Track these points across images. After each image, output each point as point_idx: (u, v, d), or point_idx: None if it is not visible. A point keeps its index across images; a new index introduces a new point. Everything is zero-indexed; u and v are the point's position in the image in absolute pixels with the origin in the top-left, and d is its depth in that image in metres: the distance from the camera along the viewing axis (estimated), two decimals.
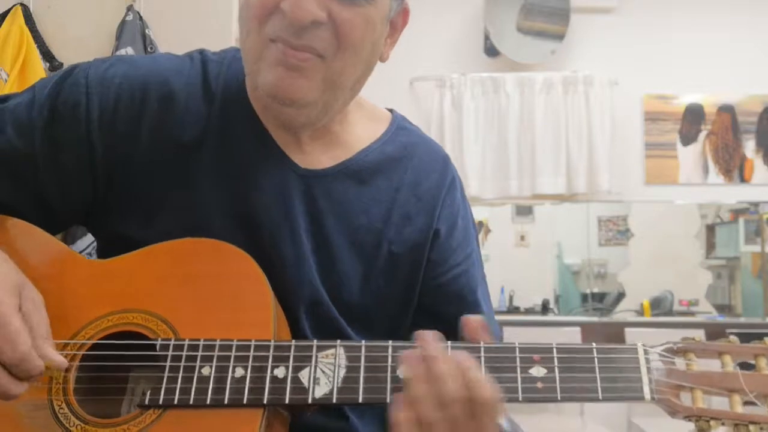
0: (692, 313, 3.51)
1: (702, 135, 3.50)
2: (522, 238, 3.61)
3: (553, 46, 3.40)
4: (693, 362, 0.65)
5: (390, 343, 0.66)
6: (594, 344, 0.66)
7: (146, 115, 0.77)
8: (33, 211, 0.77)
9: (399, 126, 0.88)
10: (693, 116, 3.50)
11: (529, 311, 3.61)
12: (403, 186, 0.83)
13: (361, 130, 0.84)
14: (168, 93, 0.78)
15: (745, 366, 0.64)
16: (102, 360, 0.68)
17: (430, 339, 0.62)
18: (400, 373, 0.63)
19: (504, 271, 3.56)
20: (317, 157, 0.80)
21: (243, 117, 0.79)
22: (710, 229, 3.66)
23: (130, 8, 3.15)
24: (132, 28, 3.13)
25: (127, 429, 0.64)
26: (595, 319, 3.49)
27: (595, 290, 3.64)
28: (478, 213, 3.53)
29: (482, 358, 0.65)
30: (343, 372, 0.65)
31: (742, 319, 3.51)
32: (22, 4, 3.05)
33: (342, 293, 0.78)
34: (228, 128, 0.78)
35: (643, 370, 0.64)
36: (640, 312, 3.50)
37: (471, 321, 0.67)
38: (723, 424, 0.62)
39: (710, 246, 3.65)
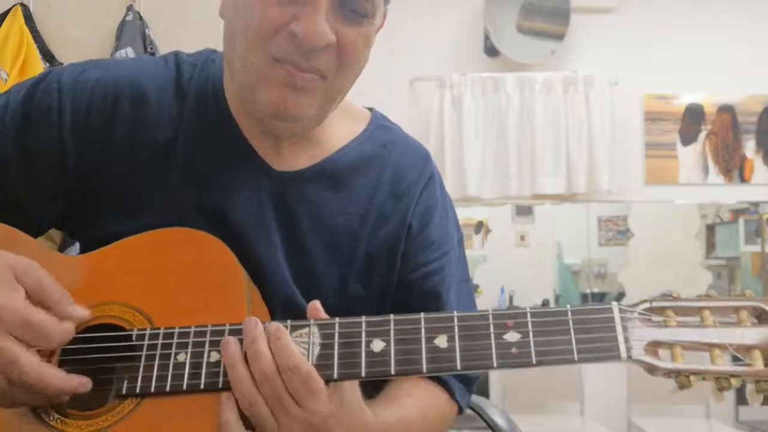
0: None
1: (702, 135, 3.50)
2: (522, 238, 3.61)
3: (553, 46, 3.40)
4: (671, 319, 0.64)
5: (363, 318, 0.66)
6: (569, 306, 0.66)
7: (119, 118, 0.77)
8: (8, 217, 0.76)
9: (378, 125, 0.87)
10: (693, 116, 3.50)
11: None
12: (382, 185, 0.83)
13: (339, 130, 0.83)
14: (141, 95, 0.77)
15: (723, 323, 0.63)
16: (81, 353, 0.68)
17: (251, 322, 0.63)
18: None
19: (504, 271, 3.55)
20: (293, 158, 0.80)
21: (217, 118, 0.78)
22: (710, 229, 3.65)
23: (130, 8, 3.16)
24: (132, 28, 3.13)
25: (106, 420, 0.65)
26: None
27: (595, 290, 3.63)
28: (478, 213, 3.53)
29: (456, 327, 0.65)
30: (317, 349, 0.65)
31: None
32: (22, 4, 3.06)
33: (317, 296, 0.76)
34: (200, 130, 0.78)
35: (619, 329, 0.63)
36: None
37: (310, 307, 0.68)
38: (704, 379, 0.61)
39: (710, 246, 3.65)
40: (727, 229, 3.64)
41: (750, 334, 0.62)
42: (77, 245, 0.85)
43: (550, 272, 3.65)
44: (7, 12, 2.93)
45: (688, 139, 3.50)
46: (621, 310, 0.65)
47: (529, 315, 0.65)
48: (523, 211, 3.61)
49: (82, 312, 0.66)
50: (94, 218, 0.78)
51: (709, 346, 0.62)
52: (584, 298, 3.61)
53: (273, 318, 0.75)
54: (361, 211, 0.81)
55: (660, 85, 3.46)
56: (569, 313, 0.65)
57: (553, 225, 3.63)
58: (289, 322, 0.67)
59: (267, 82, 0.70)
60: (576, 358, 0.63)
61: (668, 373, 0.62)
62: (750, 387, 0.61)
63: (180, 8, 3.19)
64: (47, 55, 3.02)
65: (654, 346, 0.63)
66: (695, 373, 0.61)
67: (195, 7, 3.08)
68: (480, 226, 3.57)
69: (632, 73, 3.41)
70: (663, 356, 0.63)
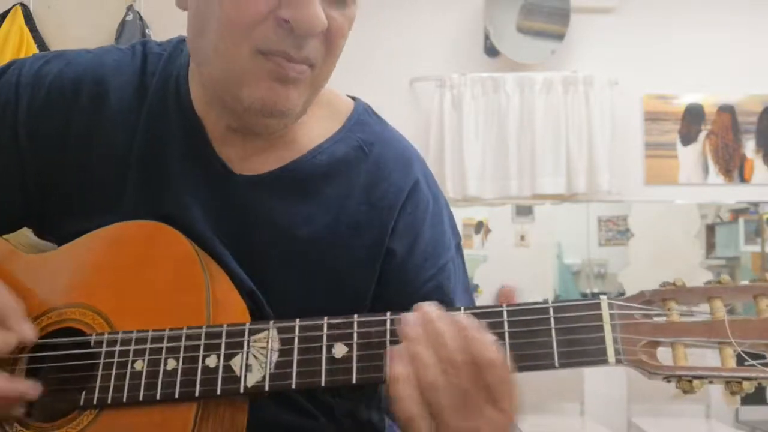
0: (692, 313, 3.50)
1: (702, 135, 3.50)
2: (522, 238, 3.61)
3: (553, 46, 3.40)
4: (673, 312, 0.54)
5: (325, 319, 0.61)
6: (550, 302, 0.57)
7: (76, 115, 0.73)
8: None
9: (358, 120, 0.77)
10: (693, 116, 3.50)
11: None
12: (354, 191, 0.74)
13: (313, 126, 0.75)
14: (102, 92, 0.73)
15: (741, 309, 0.52)
16: (42, 362, 0.66)
17: (427, 305, 0.56)
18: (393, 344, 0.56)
19: (504, 271, 3.55)
20: (259, 161, 0.73)
21: (177, 116, 0.73)
22: (710, 229, 3.65)
23: (130, 8, 3.15)
24: (132, 28, 3.13)
25: None
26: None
27: (595, 290, 3.63)
28: (478, 213, 3.53)
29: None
30: (275, 356, 0.60)
31: None
32: (22, 4, 3.05)
33: (282, 308, 0.70)
34: (158, 129, 0.73)
35: (607, 327, 0.54)
36: None
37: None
38: (711, 382, 0.51)
39: (710, 246, 3.65)
40: (727, 229, 3.64)
41: (766, 327, 0.52)
42: None
43: (550, 272, 3.65)
44: (7, 12, 2.93)
45: (688, 139, 3.50)
46: (611, 306, 0.55)
47: (505, 314, 0.57)
48: (523, 211, 3.61)
49: (28, 333, 0.64)
50: (54, 218, 0.74)
51: (720, 344, 0.52)
52: (584, 297, 3.61)
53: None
54: (329, 220, 0.72)
55: (660, 85, 3.46)
56: (551, 309, 0.56)
57: (553, 225, 3.63)
58: (247, 324, 0.62)
59: (252, 77, 0.63)
60: (557, 364, 0.55)
61: (668, 377, 0.53)
62: None
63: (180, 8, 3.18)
64: None
65: (652, 346, 0.53)
66: (700, 376, 0.51)
67: None
68: (480, 226, 3.57)
69: (632, 73, 3.41)
70: (663, 357, 0.53)
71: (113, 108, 0.73)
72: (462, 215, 3.44)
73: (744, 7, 3.45)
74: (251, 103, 0.64)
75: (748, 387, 0.50)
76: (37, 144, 0.72)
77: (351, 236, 0.73)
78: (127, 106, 0.73)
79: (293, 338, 0.60)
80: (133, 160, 0.72)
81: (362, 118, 0.78)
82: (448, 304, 0.71)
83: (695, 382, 0.51)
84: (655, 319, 0.54)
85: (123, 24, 3.05)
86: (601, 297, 0.55)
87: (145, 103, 0.73)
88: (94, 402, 0.62)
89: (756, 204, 3.55)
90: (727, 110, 3.49)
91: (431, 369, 0.53)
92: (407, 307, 0.69)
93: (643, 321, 0.54)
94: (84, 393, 0.62)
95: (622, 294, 3.30)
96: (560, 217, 3.59)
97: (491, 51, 3.44)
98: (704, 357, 0.53)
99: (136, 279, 0.67)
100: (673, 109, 3.50)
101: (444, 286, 0.76)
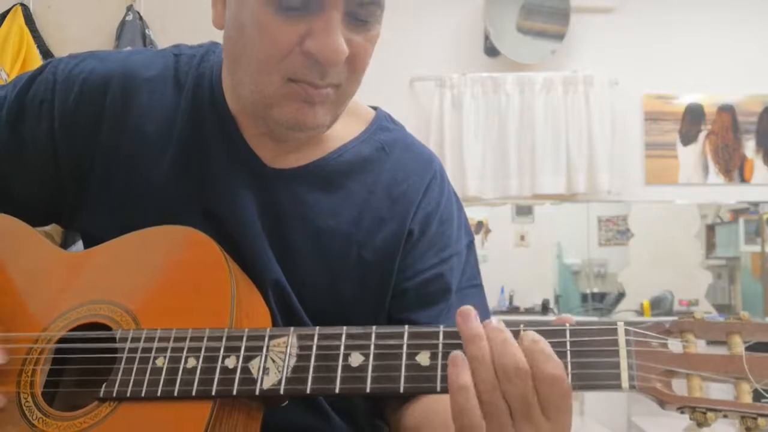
0: (692, 313, 3.49)
1: (702, 135, 3.50)
2: (522, 238, 3.61)
3: (553, 46, 3.40)
4: (691, 343, 0.54)
5: (344, 329, 0.62)
6: (567, 325, 0.57)
7: (108, 112, 0.76)
8: (3, 204, 0.77)
9: (380, 126, 0.84)
10: (693, 116, 3.50)
11: (529, 311, 3.61)
12: (377, 188, 0.79)
13: (339, 129, 0.80)
14: (131, 88, 0.77)
15: (756, 347, 0.52)
16: (68, 353, 0.68)
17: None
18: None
19: (504, 271, 3.55)
20: (288, 158, 0.77)
21: (212, 114, 0.77)
22: (710, 229, 3.65)
23: (130, 8, 3.15)
24: (132, 28, 3.12)
25: (83, 422, 0.64)
26: (595, 319, 3.49)
27: (595, 290, 3.63)
28: (478, 213, 3.53)
29: (440, 345, 0.59)
30: (293, 361, 0.61)
31: None
32: (22, 4, 3.05)
33: (309, 298, 0.75)
34: (195, 124, 0.77)
35: (622, 353, 0.55)
36: (640, 312, 3.49)
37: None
38: (725, 416, 0.51)
39: (710, 246, 3.65)
40: (727, 229, 3.64)
41: None
42: (80, 244, 0.86)
43: (550, 272, 3.65)
44: (7, 12, 2.93)
45: (688, 139, 3.50)
46: (626, 331, 0.55)
47: (523, 333, 0.57)
48: (523, 211, 3.61)
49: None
50: (88, 212, 0.78)
51: (736, 378, 0.52)
52: (584, 298, 3.61)
53: (275, 320, 0.74)
54: (354, 213, 0.77)
55: (660, 85, 3.46)
56: (567, 333, 0.57)
57: (553, 225, 3.63)
58: (267, 330, 0.64)
59: (282, 99, 0.69)
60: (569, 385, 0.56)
61: (682, 408, 0.53)
62: None
63: (180, 8, 3.19)
64: (47, 55, 3.01)
65: (667, 376, 0.53)
66: (715, 408, 0.51)
67: (195, 7, 3.08)
68: (480, 226, 3.57)
69: (632, 73, 3.41)
70: (678, 387, 0.54)
71: (145, 102, 0.76)
72: None
73: (744, 7, 3.45)
74: (282, 120, 0.70)
75: (764, 424, 0.50)
76: (72, 139, 0.76)
77: (375, 229, 0.77)
78: (162, 100, 0.77)
79: (312, 345, 0.62)
80: (171, 153, 0.76)
81: (384, 124, 0.84)
82: (445, 293, 0.79)
83: (709, 414, 0.52)
84: (672, 349, 0.54)
85: (123, 24, 3.05)
86: (618, 323, 0.56)
87: (183, 97, 0.77)
88: (114, 394, 0.64)
89: (756, 204, 3.55)
90: (727, 110, 3.49)
91: (491, 375, 0.54)
92: (405, 291, 0.77)
93: (660, 350, 0.54)
94: (105, 385, 0.64)
95: (623, 294, 3.31)
96: (560, 217, 3.59)
97: (491, 51, 3.44)
98: (717, 391, 0.53)
99: (166, 281, 0.69)
100: (673, 109, 3.50)
101: (445, 275, 0.80)
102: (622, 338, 0.56)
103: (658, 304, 3.50)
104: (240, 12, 0.68)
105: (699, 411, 0.52)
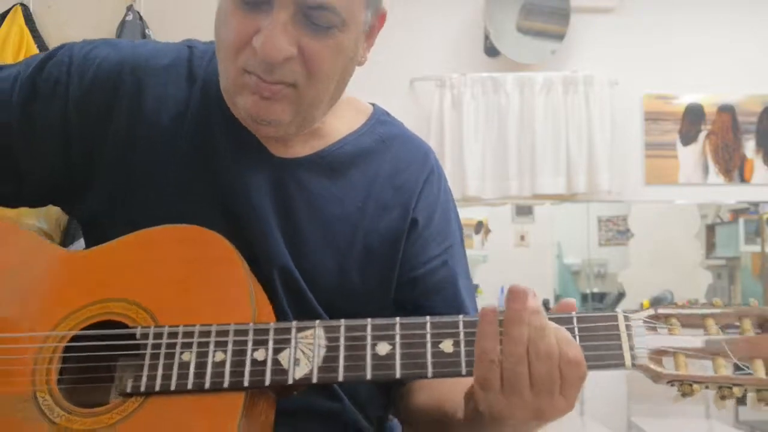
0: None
1: (702, 135, 3.50)
2: (522, 238, 3.61)
3: (553, 46, 3.40)
4: (676, 327, 0.64)
5: (369, 321, 0.66)
6: (574, 314, 0.65)
7: (121, 98, 0.78)
8: (5, 183, 0.79)
9: (378, 120, 0.88)
10: (693, 116, 3.50)
11: None
12: (379, 177, 0.83)
13: (339, 123, 0.84)
14: (146, 75, 0.79)
15: (728, 328, 0.64)
16: (84, 350, 0.68)
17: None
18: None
19: (504, 271, 3.55)
20: (292, 148, 0.81)
21: (221, 107, 0.79)
22: (710, 229, 3.65)
23: (130, 8, 3.15)
24: (132, 28, 3.12)
25: (111, 418, 0.65)
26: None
27: (595, 290, 3.63)
28: (478, 213, 3.53)
29: (461, 333, 0.65)
30: (323, 352, 0.65)
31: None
32: (22, 4, 3.05)
33: (316, 283, 0.78)
34: (206, 113, 0.79)
35: (624, 337, 0.64)
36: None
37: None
38: (707, 387, 0.62)
39: (710, 246, 3.65)
40: (727, 229, 3.64)
41: (752, 343, 0.62)
42: (81, 242, 0.86)
43: (550, 272, 3.65)
44: (7, 12, 2.93)
45: (688, 139, 3.50)
46: (626, 318, 0.65)
47: None
48: (523, 211, 3.61)
49: None
50: (93, 193, 0.79)
51: (713, 355, 0.62)
52: (584, 298, 3.61)
53: (282, 307, 0.76)
54: (358, 202, 0.81)
55: (660, 85, 3.46)
56: (575, 320, 0.65)
57: (553, 225, 3.63)
58: (294, 323, 0.67)
59: (241, 89, 0.73)
60: None
61: (671, 381, 0.62)
62: (752, 396, 0.61)
63: (180, 8, 3.19)
64: None
65: (658, 354, 0.63)
66: (698, 381, 0.61)
67: (195, 7, 3.08)
68: (480, 226, 3.57)
69: (632, 73, 3.41)
70: (666, 364, 0.63)
71: (159, 90, 0.79)
72: (462, 215, 3.41)
73: (744, 7, 3.45)
74: (243, 109, 0.74)
75: (738, 392, 0.61)
76: (85, 120, 0.78)
77: (379, 216, 0.81)
78: (175, 88, 0.79)
79: (339, 336, 0.66)
80: (183, 142, 0.78)
81: (381, 118, 0.88)
82: (453, 279, 0.85)
83: (695, 386, 0.61)
84: (660, 332, 0.64)
85: (123, 24, 3.05)
86: (617, 311, 0.66)
87: (195, 87, 0.80)
88: (142, 389, 0.65)
89: (756, 204, 3.55)
90: (727, 110, 3.50)
91: (523, 351, 0.60)
92: (411, 280, 0.82)
93: (652, 332, 0.64)
94: (131, 380, 0.66)
95: (623, 294, 3.31)
96: (560, 217, 3.59)
97: (491, 51, 3.44)
98: (698, 366, 0.63)
99: (180, 278, 0.71)
100: (673, 109, 3.50)
101: (449, 264, 0.85)
102: (622, 324, 0.65)
103: (658, 304, 3.50)
104: (220, 1, 0.73)
105: (686, 384, 0.62)
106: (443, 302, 0.83)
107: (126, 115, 0.78)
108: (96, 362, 0.69)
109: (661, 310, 0.66)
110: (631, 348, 0.63)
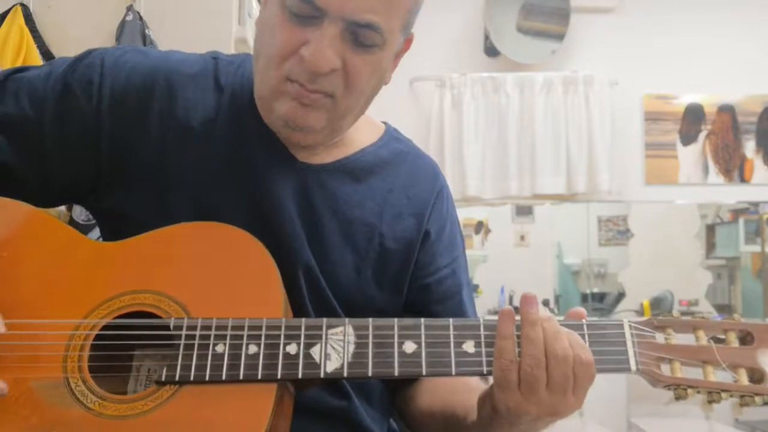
0: (692, 313, 3.50)
1: (702, 135, 3.50)
2: (522, 238, 3.61)
3: (553, 46, 3.40)
4: (671, 336, 0.71)
5: (396, 321, 0.70)
6: (584, 321, 0.71)
7: (154, 102, 0.81)
8: (31, 178, 0.80)
9: (392, 136, 0.94)
10: (693, 116, 3.50)
11: None
12: (396, 187, 0.88)
13: (359, 134, 0.89)
14: (177, 82, 0.83)
15: (715, 340, 0.71)
16: (116, 339, 0.70)
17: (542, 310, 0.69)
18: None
19: (504, 271, 3.56)
20: (318, 155, 0.85)
21: (249, 114, 0.83)
22: (710, 229, 3.66)
23: (130, 8, 3.15)
24: (132, 28, 3.12)
25: (145, 405, 0.67)
26: (595, 319, 3.48)
27: (595, 290, 3.64)
28: (478, 213, 3.53)
29: (482, 335, 0.69)
30: (352, 348, 0.69)
31: (742, 320, 3.50)
32: (22, 4, 3.05)
33: (335, 283, 0.83)
34: (238, 119, 0.83)
35: (629, 343, 0.70)
36: (640, 312, 3.49)
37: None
38: (699, 392, 0.68)
39: (710, 246, 3.65)
40: (727, 229, 3.64)
41: (736, 354, 0.70)
42: (95, 232, 0.87)
43: (550, 272, 3.65)
44: (7, 12, 2.93)
45: (688, 139, 3.50)
46: (630, 326, 0.71)
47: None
48: (523, 211, 3.61)
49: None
50: (122, 195, 0.81)
51: (703, 363, 0.69)
52: (584, 298, 3.61)
53: (302, 302, 0.79)
54: (376, 207, 0.86)
55: (660, 85, 3.47)
56: (585, 326, 0.71)
57: (553, 225, 3.63)
58: (324, 320, 0.70)
59: (279, 95, 0.77)
60: None
61: (668, 386, 0.69)
62: (734, 401, 0.68)
63: (180, 8, 3.19)
64: (47, 55, 3.01)
65: (657, 361, 0.69)
66: (692, 386, 0.68)
67: (195, 7, 3.08)
68: (480, 226, 3.57)
69: (632, 73, 3.41)
70: (663, 370, 0.69)
71: (189, 96, 0.83)
72: (462, 215, 3.43)
73: (744, 7, 3.45)
74: (280, 114, 0.78)
75: (725, 396, 0.68)
76: (117, 123, 0.81)
77: (395, 222, 0.87)
78: (203, 96, 0.83)
79: (367, 334, 0.69)
80: (215, 147, 0.82)
81: (395, 135, 0.95)
82: (458, 287, 0.91)
83: (689, 390, 0.68)
84: (659, 340, 0.71)
85: (123, 24, 3.05)
86: (623, 320, 0.72)
87: (224, 95, 0.84)
88: (176, 378, 0.67)
89: (756, 204, 3.55)
90: (727, 110, 3.50)
91: (541, 353, 0.66)
92: (421, 287, 0.88)
93: (652, 341, 0.71)
94: (165, 370, 0.68)
95: (623, 294, 3.31)
96: (560, 217, 3.59)
97: (491, 51, 3.45)
98: (690, 372, 0.70)
99: (212, 273, 0.73)
100: (673, 109, 3.50)
101: (457, 273, 0.92)
102: (627, 332, 0.71)
103: (658, 304, 3.50)
104: (264, 13, 0.78)
105: (681, 388, 0.68)
106: (449, 310, 0.89)
107: (159, 117, 0.81)
108: (126, 351, 0.71)
109: (658, 319, 0.72)
110: (635, 354, 0.70)
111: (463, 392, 0.80)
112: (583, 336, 0.70)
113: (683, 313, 0.73)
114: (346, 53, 0.74)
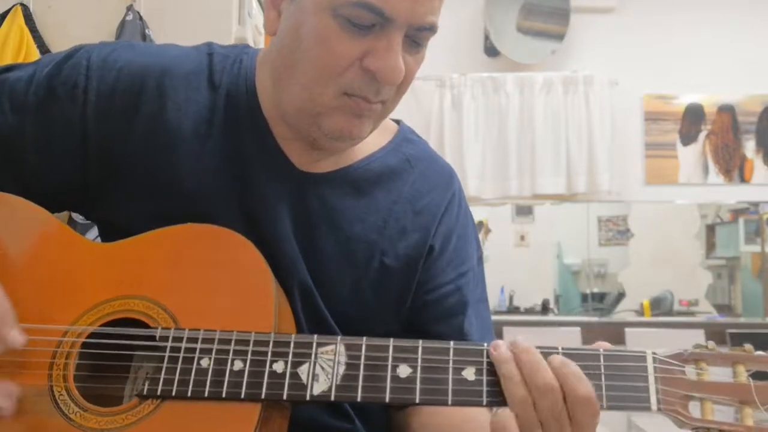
0: (692, 313, 3.51)
1: (702, 135, 3.50)
2: (522, 238, 3.61)
3: (553, 46, 3.40)
4: (705, 371, 0.61)
5: (391, 341, 0.64)
6: (601, 350, 0.63)
7: (144, 103, 0.76)
8: (13, 189, 0.76)
9: (404, 138, 0.86)
10: (693, 116, 3.50)
11: (529, 311, 3.61)
12: (402, 199, 0.82)
13: (366, 139, 0.82)
14: (168, 82, 0.77)
15: (757, 375, 0.61)
16: (103, 348, 0.68)
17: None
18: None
19: (504, 271, 3.56)
20: (318, 163, 0.79)
21: (247, 114, 0.78)
22: (710, 229, 3.66)
23: (130, 8, 3.15)
24: (132, 28, 3.12)
25: (125, 419, 0.64)
26: (595, 319, 3.49)
27: (595, 290, 3.64)
28: (478, 213, 3.53)
29: (485, 362, 0.63)
30: (342, 369, 0.63)
31: (742, 319, 3.51)
32: (22, 4, 3.05)
33: (331, 298, 0.78)
34: (234, 119, 0.78)
35: (651, 379, 0.61)
36: (640, 312, 3.50)
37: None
38: None
39: (710, 246, 3.65)
40: (727, 229, 3.64)
41: None
42: (93, 230, 0.85)
43: (550, 272, 3.65)
44: (7, 12, 2.93)
45: (688, 139, 3.50)
46: (654, 360, 0.63)
47: (560, 352, 0.63)
48: (523, 211, 3.61)
49: (18, 338, 0.65)
50: (113, 200, 0.78)
51: (741, 404, 0.60)
52: (584, 298, 3.62)
53: (297, 318, 0.75)
54: (379, 221, 0.80)
55: (660, 85, 3.47)
56: (602, 357, 0.62)
57: (553, 225, 3.63)
58: (315, 337, 0.65)
59: (334, 111, 0.71)
60: (605, 405, 0.61)
61: (696, 429, 0.60)
62: None
63: (180, 8, 3.19)
64: None
65: (684, 399, 0.61)
66: (725, 430, 0.59)
67: (195, 7, 3.08)
68: (480, 226, 3.57)
69: (632, 73, 3.41)
70: (692, 409, 0.61)
71: (181, 97, 0.77)
72: None
73: (744, 7, 3.45)
74: (329, 131, 0.72)
75: None
76: (104, 127, 0.76)
77: (397, 238, 0.80)
78: (197, 95, 0.78)
79: (360, 355, 0.64)
80: (207, 150, 0.77)
81: (408, 136, 0.87)
82: (463, 306, 0.83)
83: None
84: (689, 376, 0.62)
85: (123, 24, 3.05)
86: (647, 351, 0.63)
87: (218, 95, 0.78)
88: (158, 393, 0.64)
89: (756, 204, 3.56)
90: (727, 110, 3.50)
91: (522, 392, 0.59)
92: (421, 305, 0.82)
93: (680, 377, 0.62)
94: (147, 383, 0.65)
95: (623, 294, 3.30)
96: (560, 217, 3.59)
97: (491, 51, 3.45)
98: (724, 413, 0.61)
99: (204, 280, 0.69)
100: (673, 109, 3.50)
101: (462, 289, 0.83)
102: (650, 365, 0.62)
103: (658, 304, 3.50)
104: (299, 22, 0.69)
105: (712, 431, 0.60)
106: (449, 331, 0.82)
107: (149, 120, 0.76)
108: (113, 360, 0.68)
109: (689, 352, 0.63)
110: (657, 392, 0.61)
111: (472, 422, 0.74)
112: (598, 367, 0.62)
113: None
114: (405, 57, 0.70)
